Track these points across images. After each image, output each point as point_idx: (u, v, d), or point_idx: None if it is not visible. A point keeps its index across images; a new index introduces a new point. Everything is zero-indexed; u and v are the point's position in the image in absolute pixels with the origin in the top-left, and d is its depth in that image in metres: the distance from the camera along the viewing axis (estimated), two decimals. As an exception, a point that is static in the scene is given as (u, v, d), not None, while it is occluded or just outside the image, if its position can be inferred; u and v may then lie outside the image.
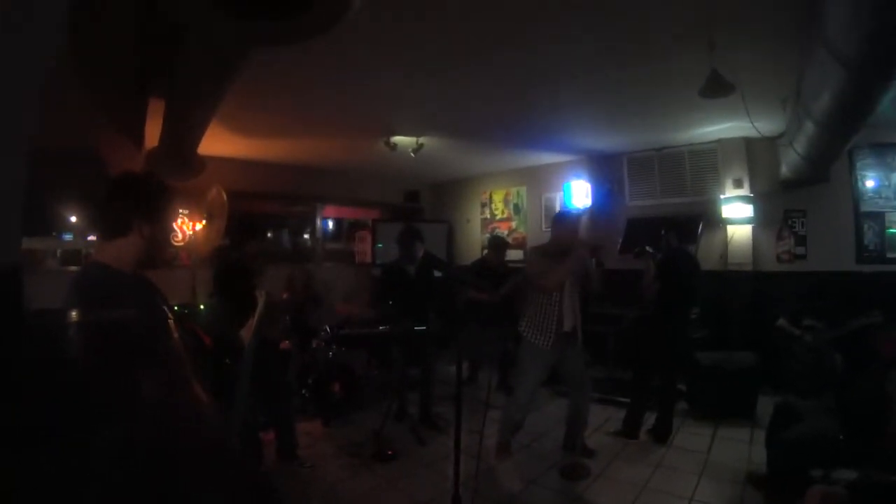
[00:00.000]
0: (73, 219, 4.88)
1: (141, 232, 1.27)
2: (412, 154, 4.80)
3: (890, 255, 3.91)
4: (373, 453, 3.07)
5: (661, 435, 3.30)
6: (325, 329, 4.13)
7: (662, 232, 3.47)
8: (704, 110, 3.71)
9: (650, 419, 3.42)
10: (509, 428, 3.03)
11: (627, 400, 3.59)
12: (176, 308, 1.51)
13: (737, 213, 4.47)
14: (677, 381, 3.46)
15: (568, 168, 5.84)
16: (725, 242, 4.59)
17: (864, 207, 4.03)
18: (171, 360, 0.81)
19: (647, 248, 3.39)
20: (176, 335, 1.02)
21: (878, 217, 3.98)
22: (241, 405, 2.22)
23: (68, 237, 4.92)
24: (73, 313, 0.93)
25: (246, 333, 2.43)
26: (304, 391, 3.77)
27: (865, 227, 4.02)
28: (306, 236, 6.64)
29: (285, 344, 3.94)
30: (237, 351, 2.32)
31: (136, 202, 1.27)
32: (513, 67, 3.04)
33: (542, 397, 4.01)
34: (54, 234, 4.81)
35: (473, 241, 7.07)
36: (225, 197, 4.13)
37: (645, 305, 3.51)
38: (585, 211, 5.53)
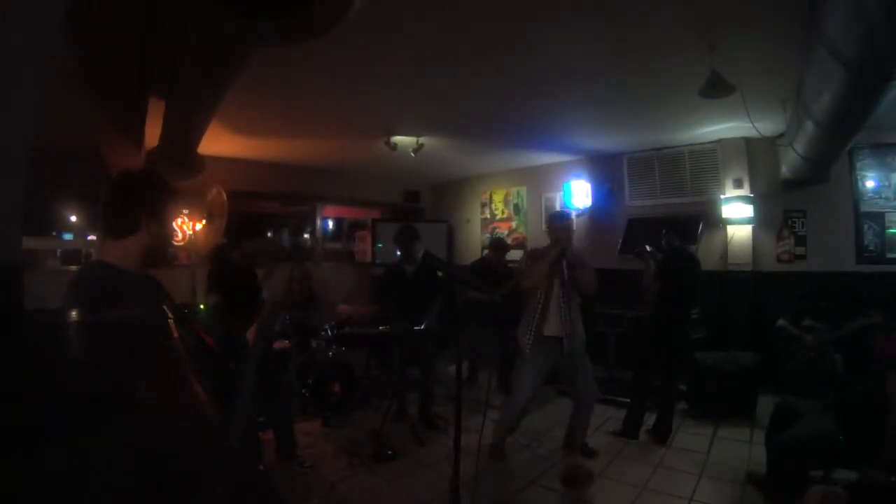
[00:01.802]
0: (73, 218, 4.88)
1: (149, 230, 1.26)
2: (412, 154, 4.80)
3: (890, 255, 3.91)
4: (372, 453, 3.07)
5: (661, 435, 3.30)
6: (325, 329, 4.14)
7: (663, 231, 3.48)
8: (704, 110, 3.71)
9: (650, 419, 3.42)
10: (504, 430, 3.03)
11: (627, 400, 3.59)
12: (181, 308, 1.51)
13: (737, 213, 4.46)
14: (677, 381, 3.47)
15: (568, 168, 5.84)
16: (725, 242, 4.59)
17: (864, 207, 4.03)
18: (173, 361, 0.81)
19: (647, 247, 3.39)
20: (177, 335, 1.02)
21: (878, 217, 3.98)
22: (244, 408, 2.21)
23: (68, 237, 4.92)
24: (75, 314, 0.93)
25: (250, 336, 2.42)
26: (304, 391, 3.77)
27: (865, 227, 4.02)
28: (306, 236, 6.65)
29: (285, 344, 3.94)
30: (242, 353, 2.31)
31: (143, 200, 1.26)
32: (512, 67, 3.04)
33: (542, 397, 3.99)
34: (54, 233, 4.82)
35: (473, 241, 7.07)
36: (225, 197, 4.14)
37: (645, 305, 3.51)
38: (581, 211, 5.54)
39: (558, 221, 2.95)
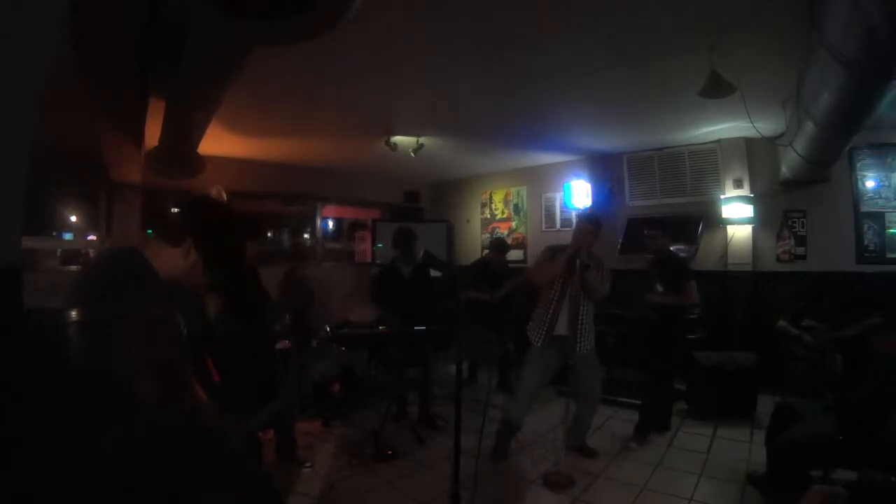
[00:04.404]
0: (73, 218, 4.88)
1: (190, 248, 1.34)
2: (412, 154, 4.80)
3: (890, 255, 3.91)
4: (373, 453, 3.07)
5: (661, 425, 3.31)
6: (325, 329, 4.13)
7: (644, 232, 3.50)
8: (704, 110, 3.71)
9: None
10: (507, 429, 3.03)
11: (627, 400, 3.59)
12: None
13: (737, 213, 4.46)
14: (672, 379, 3.47)
15: (568, 168, 5.84)
16: (725, 242, 4.59)
17: (864, 207, 4.03)
18: (173, 361, 0.81)
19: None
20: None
21: (878, 217, 3.98)
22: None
23: (68, 237, 4.92)
24: (74, 313, 0.93)
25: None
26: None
27: (865, 227, 4.01)
28: (306, 236, 6.65)
29: (285, 344, 3.94)
30: (241, 346, 2.28)
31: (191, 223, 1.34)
32: (513, 67, 3.04)
33: (542, 398, 3.99)
34: (54, 233, 4.81)
35: (473, 241, 7.07)
36: (225, 197, 4.13)
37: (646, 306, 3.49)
38: (581, 211, 5.52)
39: (581, 222, 2.99)
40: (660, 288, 3.32)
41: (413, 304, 3.58)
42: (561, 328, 2.85)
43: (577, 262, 2.77)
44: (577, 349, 2.83)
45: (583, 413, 3.04)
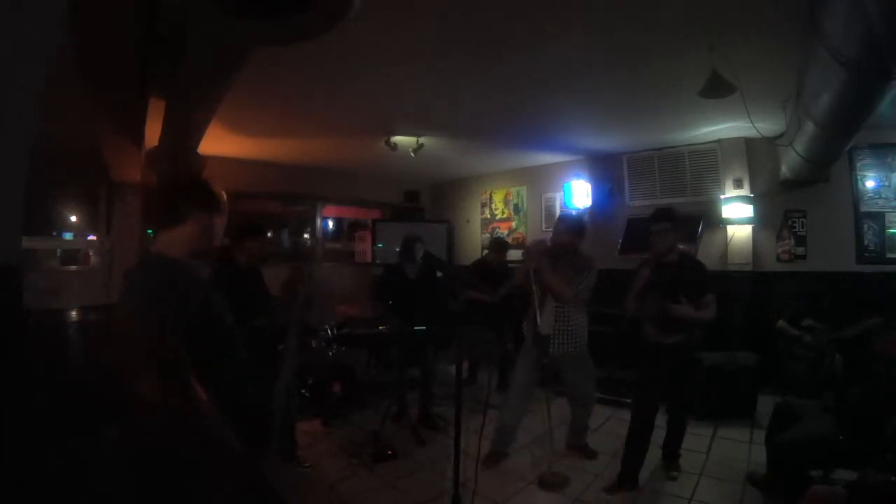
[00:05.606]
0: (73, 218, 4.88)
1: (196, 222, 1.37)
2: (412, 154, 4.80)
3: (890, 255, 3.91)
4: (372, 453, 3.07)
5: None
6: (325, 329, 4.13)
7: (650, 228, 2.86)
8: (704, 110, 3.71)
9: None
10: (501, 433, 3.00)
11: (626, 400, 3.56)
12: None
13: (737, 213, 4.46)
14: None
15: (568, 168, 5.84)
16: (725, 242, 4.59)
17: (864, 207, 4.03)
18: (173, 360, 0.81)
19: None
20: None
21: (878, 217, 3.97)
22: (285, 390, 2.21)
23: (68, 237, 4.92)
24: (74, 313, 0.94)
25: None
26: (304, 391, 3.77)
27: (865, 227, 4.01)
28: (306, 236, 6.65)
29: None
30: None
31: (192, 195, 1.40)
32: (513, 67, 3.03)
33: (541, 398, 3.99)
34: (54, 233, 4.81)
35: (473, 241, 7.07)
36: (225, 197, 4.13)
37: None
38: (581, 211, 5.52)
39: (556, 224, 2.93)
40: (663, 299, 2.57)
41: (417, 304, 3.58)
42: (545, 327, 2.80)
43: (532, 265, 2.69)
44: (556, 350, 2.81)
45: (578, 414, 3.04)
